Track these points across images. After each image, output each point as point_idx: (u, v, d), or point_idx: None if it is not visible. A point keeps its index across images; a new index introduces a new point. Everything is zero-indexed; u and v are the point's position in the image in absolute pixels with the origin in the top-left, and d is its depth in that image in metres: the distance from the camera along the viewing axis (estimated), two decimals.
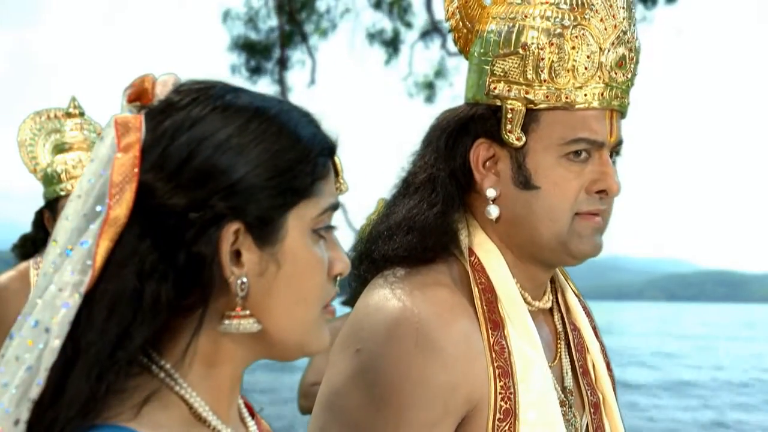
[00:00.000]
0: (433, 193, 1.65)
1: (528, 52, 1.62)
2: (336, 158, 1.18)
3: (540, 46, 1.61)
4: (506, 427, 1.55)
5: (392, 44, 19.77)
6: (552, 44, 1.61)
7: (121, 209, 1.06)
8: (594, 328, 1.83)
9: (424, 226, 1.64)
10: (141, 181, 1.07)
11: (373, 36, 19.82)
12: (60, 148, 3.84)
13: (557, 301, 1.78)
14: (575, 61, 1.61)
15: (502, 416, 1.55)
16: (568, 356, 1.75)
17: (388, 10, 19.52)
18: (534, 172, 1.62)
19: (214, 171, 1.07)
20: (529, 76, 1.61)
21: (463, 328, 1.57)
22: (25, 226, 4.04)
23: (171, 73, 1.15)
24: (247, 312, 1.10)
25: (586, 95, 1.61)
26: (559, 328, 1.76)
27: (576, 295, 1.83)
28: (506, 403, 1.55)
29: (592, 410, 1.74)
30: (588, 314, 1.84)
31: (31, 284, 3.72)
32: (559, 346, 1.75)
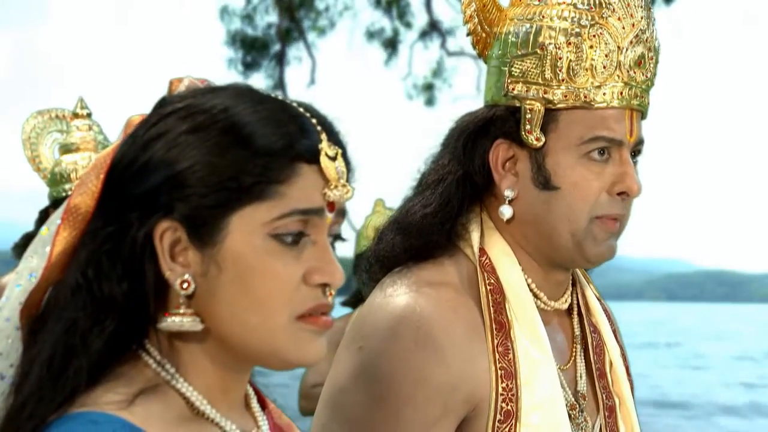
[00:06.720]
0: (435, 193, 1.65)
1: (546, 52, 1.61)
2: (327, 163, 1.10)
3: (558, 46, 1.61)
4: (506, 429, 1.55)
5: (391, 44, 19.75)
6: (570, 44, 1.61)
7: (82, 198, 1.07)
8: (614, 332, 1.82)
9: (410, 224, 1.65)
10: (109, 173, 1.08)
11: (372, 35, 19.80)
12: (67, 149, 3.84)
13: (578, 303, 1.77)
14: (593, 60, 1.60)
15: (502, 418, 1.55)
16: (584, 359, 1.74)
17: (387, 9, 19.50)
18: (554, 173, 1.61)
19: (158, 165, 1.07)
20: (548, 76, 1.61)
21: (465, 327, 1.57)
22: (24, 226, 4.03)
23: (188, 76, 1.15)
24: (189, 310, 1.08)
25: (605, 94, 1.61)
26: (577, 330, 1.75)
27: (597, 298, 1.82)
28: (507, 404, 1.55)
29: (606, 414, 1.72)
30: (608, 317, 1.82)
31: None
32: (574, 348, 1.74)
